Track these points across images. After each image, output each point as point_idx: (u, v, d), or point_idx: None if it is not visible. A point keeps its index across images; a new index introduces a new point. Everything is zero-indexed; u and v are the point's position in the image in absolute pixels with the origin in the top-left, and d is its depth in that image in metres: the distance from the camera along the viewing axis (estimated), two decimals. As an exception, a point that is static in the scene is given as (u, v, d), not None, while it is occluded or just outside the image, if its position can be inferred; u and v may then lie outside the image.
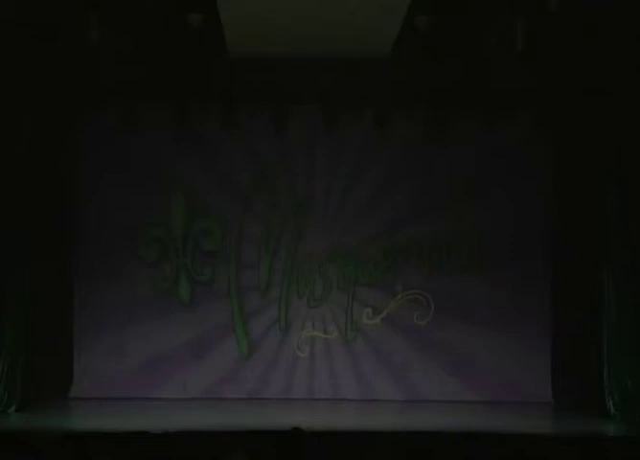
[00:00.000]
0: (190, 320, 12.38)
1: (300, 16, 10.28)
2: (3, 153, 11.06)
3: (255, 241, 12.51)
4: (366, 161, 12.45)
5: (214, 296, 12.47)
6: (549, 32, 10.50)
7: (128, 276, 12.34)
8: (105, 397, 12.00)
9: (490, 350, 12.30)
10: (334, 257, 12.51)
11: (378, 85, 11.74)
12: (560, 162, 12.22)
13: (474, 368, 12.31)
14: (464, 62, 11.39)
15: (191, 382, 12.31)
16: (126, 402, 11.86)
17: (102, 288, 12.28)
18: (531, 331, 12.27)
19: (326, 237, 12.50)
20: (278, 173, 12.50)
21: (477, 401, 12.16)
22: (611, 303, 11.10)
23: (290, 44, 11.08)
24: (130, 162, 12.35)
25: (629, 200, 11.03)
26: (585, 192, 11.67)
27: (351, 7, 9.94)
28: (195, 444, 9.00)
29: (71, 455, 7.27)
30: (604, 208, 11.22)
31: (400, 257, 12.47)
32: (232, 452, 6.89)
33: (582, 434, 9.83)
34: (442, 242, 12.46)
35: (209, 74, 11.61)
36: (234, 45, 11.08)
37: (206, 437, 9.16)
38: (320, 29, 10.60)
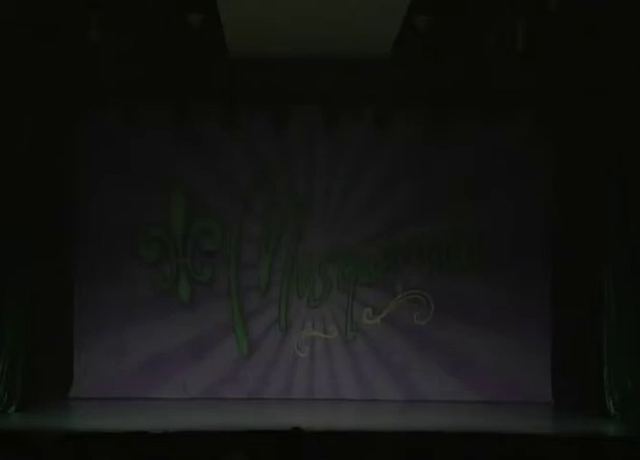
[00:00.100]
0: (190, 320, 12.38)
1: (300, 16, 10.28)
2: (3, 153, 11.06)
3: (255, 241, 12.51)
4: (366, 161, 12.45)
5: (214, 296, 12.47)
6: (549, 32, 10.50)
7: (128, 276, 12.34)
8: (105, 397, 12.00)
9: (490, 350, 12.30)
10: (334, 257, 12.51)
11: (378, 85, 11.74)
12: (560, 162, 12.22)
13: (474, 368, 12.31)
14: (464, 62, 11.39)
15: (191, 382, 12.31)
16: (126, 402, 11.86)
17: (102, 288, 12.29)
18: (531, 331, 12.27)
19: (326, 237, 12.50)
20: (278, 173, 12.50)
21: (477, 401, 12.16)
22: (611, 303, 11.10)
23: (290, 44, 11.08)
24: (130, 162, 12.35)
25: (629, 200, 11.03)
26: (585, 192, 11.66)
27: (351, 7, 9.95)
28: (195, 444, 9.00)
29: (71, 455, 7.27)
30: (604, 208, 11.21)
31: (400, 257, 12.47)
32: (232, 452, 6.89)
33: (582, 434, 9.82)
34: (442, 242, 12.46)
35: (209, 74, 11.61)
36: (234, 45, 11.08)
37: (206, 437, 9.16)
38: (320, 29, 10.60)
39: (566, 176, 12.09)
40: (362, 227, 12.47)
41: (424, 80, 11.68)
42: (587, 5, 10.14)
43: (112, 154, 12.34)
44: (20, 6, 10.18)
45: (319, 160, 12.48)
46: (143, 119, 12.16)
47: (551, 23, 10.23)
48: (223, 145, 12.42)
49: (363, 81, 11.70)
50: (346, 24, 10.39)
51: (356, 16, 10.16)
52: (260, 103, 12.02)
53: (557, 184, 12.29)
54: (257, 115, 12.26)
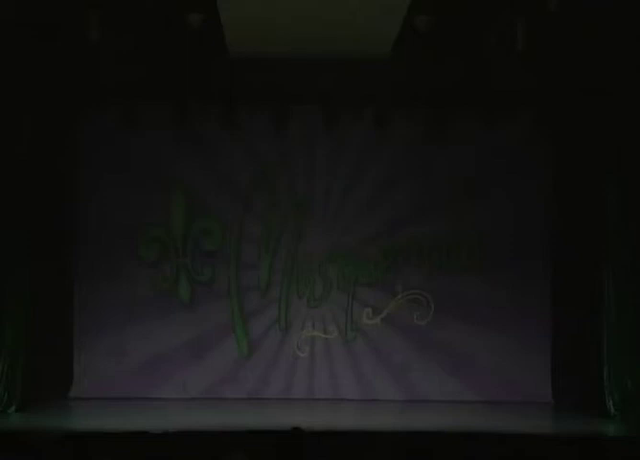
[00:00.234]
0: (190, 320, 12.38)
1: (300, 16, 10.28)
2: (3, 153, 11.06)
3: (255, 241, 12.51)
4: (366, 161, 12.45)
5: (214, 296, 12.47)
6: (549, 32, 10.50)
7: (128, 276, 12.34)
8: (105, 397, 12.00)
9: (490, 350, 12.30)
10: (334, 257, 12.51)
11: (378, 85, 11.74)
12: (560, 162, 12.22)
13: (474, 368, 12.31)
14: (464, 62, 11.39)
15: (191, 382, 12.31)
16: (126, 402, 11.86)
17: (102, 288, 12.29)
18: (531, 331, 12.27)
19: (326, 237, 12.50)
20: (278, 173, 12.50)
21: (477, 401, 12.16)
22: (611, 303, 11.10)
23: (290, 44, 11.08)
24: (130, 162, 12.35)
25: (629, 200, 11.03)
26: (585, 192, 11.66)
27: (351, 7, 9.94)
28: (195, 444, 9.00)
29: (71, 455, 7.27)
30: (604, 208, 11.21)
31: (400, 257, 12.47)
32: (232, 452, 6.89)
33: (582, 434, 9.82)
34: (442, 242, 12.46)
35: (209, 74, 11.61)
36: (234, 45, 11.08)
37: (206, 437, 9.16)
38: (320, 29, 10.60)
39: (566, 176, 12.09)
40: (362, 227, 12.47)
41: (424, 80, 11.68)
42: (587, 5, 10.14)
43: (112, 154, 12.34)
44: (20, 6, 10.17)
45: (319, 160, 12.48)
46: (143, 119, 12.16)
47: (551, 23, 10.23)
48: (223, 145, 12.42)
49: (363, 81, 11.69)
50: (346, 24, 10.39)
51: (356, 16, 10.16)
52: (260, 103, 12.02)
53: (557, 184, 12.29)
54: (257, 115, 12.25)
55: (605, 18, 10.29)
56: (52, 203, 11.86)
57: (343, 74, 11.61)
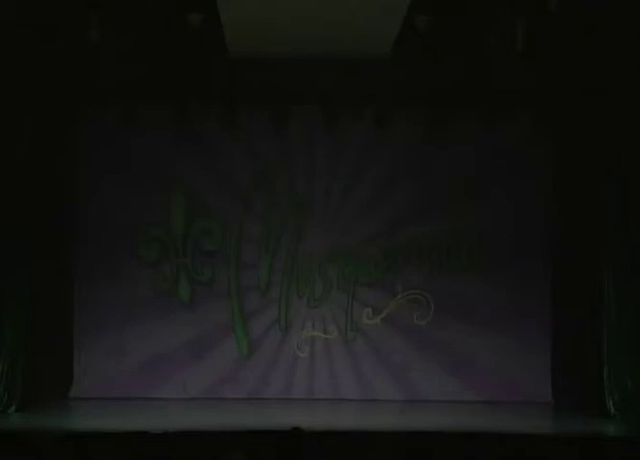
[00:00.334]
0: (190, 320, 12.38)
1: (300, 16, 10.28)
2: (3, 153, 11.06)
3: (255, 241, 12.51)
4: (366, 161, 12.45)
5: (214, 296, 12.47)
6: (549, 32, 10.50)
7: (128, 276, 12.34)
8: (105, 397, 12.00)
9: (490, 350, 12.30)
10: (334, 257, 12.51)
11: (378, 85, 11.74)
12: (560, 162, 12.22)
13: (474, 368, 12.31)
14: (464, 62, 11.39)
15: (191, 382, 12.31)
16: (126, 402, 11.86)
17: (102, 288, 12.29)
18: (531, 331, 12.27)
19: (326, 237, 12.50)
20: (278, 173, 12.50)
21: (477, 401, 12.16)
22: (611, 303, 11.10)
23: (290, 44, 11.08)
24: (130, 162, 12.35)
25: (629, 200, 11.03)
26: (585, 192, 11.66)
27: (351, 7, 9.94)
28: (195, 444, 9.00)
29: (71, 455, 7.27)
30: (604, 208, 11.21)
31: (400, 257, 12.47)
32: (232, 452, 6.89)
33: (582, 434, 9.82)
34: (442, 242, 12.46)
35: (209, 74, 11.61)
36: (234, 45, 11.08)
37: (206, 437, 9.16)
38: (320, 29, 10.60)
39: (566, 176, 12.09)
40: (362, 227, 12.47)
41: (424, 80, 11.68)
42: (587, 5, 10.14)
43: (112, 154, 12.35)
44: (20, 6, 10.17)
45: (319, 160, 12.48)
46: (143, 119, 12.16)
47: (551, 23, 10.23)
48: (223, 145, 12.42)
49: (363, 81, 11.69)
50: (346, 24, 10.39)
51: (356, 16, 10.16)
52: (260, 103, 12.02)
53: (557, 184, 12.29)
54: (257, 115, 12.26)
55: (605, 18, 10.29)
56: (52, 203, 11.86)
57: (343, 74, 11.61)
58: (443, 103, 11.96)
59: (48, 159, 11.67)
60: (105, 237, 12.30)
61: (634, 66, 10.72)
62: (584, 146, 11.61)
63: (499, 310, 12.30)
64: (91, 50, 10.53)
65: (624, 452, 8.44)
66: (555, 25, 10.32)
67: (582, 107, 11.57)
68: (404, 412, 11.77)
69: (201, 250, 12.49)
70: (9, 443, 8.35)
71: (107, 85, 11.56)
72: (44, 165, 11.54)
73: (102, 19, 10.06)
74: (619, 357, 11.04)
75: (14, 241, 11.06)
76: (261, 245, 12.50)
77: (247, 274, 12.50)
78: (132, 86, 11.60)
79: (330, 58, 11.36)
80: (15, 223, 11.09)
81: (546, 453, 8.41)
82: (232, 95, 11.84)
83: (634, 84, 10.84)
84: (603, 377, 11.09)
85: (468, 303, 12.35)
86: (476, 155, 12.42)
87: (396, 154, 12.46)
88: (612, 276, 11.10)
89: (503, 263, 12.36)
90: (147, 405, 11.77)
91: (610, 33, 10.49)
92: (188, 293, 12.43)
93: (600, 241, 11.26)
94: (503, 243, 12.38)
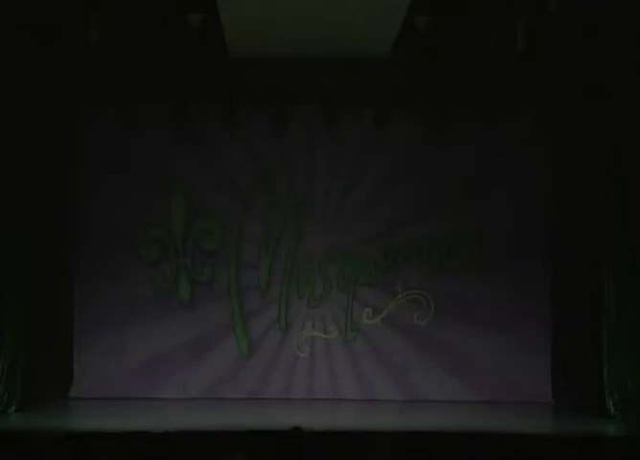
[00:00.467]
0: (190, 320, 12.38)
1: (300, 16, 10.28)
2: (3, 153, 11.06)
3: (255, 241, 12.51)
4: (366, 161, 12.45)
5: (214, 296, 12.47)
6: (549, 32, 10.50)
7: (128, 276, 12.35)
8: (105, 397, 12.00)
9: (490, 350, 12.30)
10: (334, 257, 12.51)
11: (378, 85, 11.74)
12: (560, 162, 12.22)
13: (474, 368, 12.31)
14: (464, 62, 11.39)
15: (191, 382, 12.31)
16: (126, 402, 11.86)
17: (102, 288, 12.29)
18: (531, 331, 12.27)
19: (326, 237, 12.50)
20: (278, 173, 12.50)
21: (477, 401, 12.16)
22: (611, 303, 11.10)
23: (290, 44, 11.08)
24: (130, 162, 12.35)
25: (629, 200, 11.03)
26: (585, 192, 11.66)
27: (351, 7, 9.95)
28: (195, 444, 9.00)
29: (71, 455, 7.27)
30: (604, 208, 11.21)
31: (400, 257, 12.47)
32: (232, 452, 6.89)
33: (582, 434, 9.82)
34: (442, 242, 12.46)
35: (209, 74, 11.61)
36: (234, 45, 11.08)
37: (206, 437, 9.16)
38: (320, 29, 10.60)
39: (566, 176, 12.09)
40: (362, 227, 12.47)
41: (424, 80, 11.68)
42: (587, 5, 10.14)
43: (112, 154, 12.35)
44: (20, 6, 10.18)
45: (319, 160, 12.48)
46: (143, 119, 12.16)
47: (551, 23, 10.23)
48: (223, 145, 12.43)
49: (363, 81, 11.69)
50: (346, 24, 10.39)
51: (356, 16, 10.16)
52: (260, 103, 12.02)
53: (557, 184, 12.29)
54: (257, 115, 12.26)
55: (605, 18, 10.29)
56: (52, 203, 11.86)
57: (343, 74, 11.61)
58: (443, 103, 11.96)
59: (48, 159, 11.67)
60: (105, 237, 12.30)
61: (634, 66, 10.72)
62: (584, 146, 11.61)
63: (499, 310, 12.30)
64: (91, 50, 10.53)
65: (624, 452, 8.45)
66: (555, 25, 10.32)
67: (582, 107, 11.57)
68: (404, 412, 11.77)
69: (201, 250, 12.49)
70: (9, 443, 8.35)
71: (107, 85, 11.56)
72: (44, 165, 11.54)
73: (102, 19, 10.06)
74: (619, 357, 11.04)
75: (14, 241, 11.06)
76: (261, 245, 12.50)
77: (247, 274, 12.50)
78: (132, 86, 11.61)
79: (330, 58, 11.36)
80: (15, 223, 11.09)
81: (546, 453, 8.42)
82: (232, 95, 11.84)
83: (634, 84, 10.84)
84: (603, 377, 11.09)
85: (468, 303, 12.35)
86: (476, 155, 12.42)
87: (396, 154, 12.46)
88: (612, 276, 11.10)
89: (503, 263, 12.36)
90: (147, 405, 11.77)
91: (610, 33, 10.49)
92: (188, 293, 12.43)
93: (600, 241, 11.25)
94: (503, 243, 12.38)
